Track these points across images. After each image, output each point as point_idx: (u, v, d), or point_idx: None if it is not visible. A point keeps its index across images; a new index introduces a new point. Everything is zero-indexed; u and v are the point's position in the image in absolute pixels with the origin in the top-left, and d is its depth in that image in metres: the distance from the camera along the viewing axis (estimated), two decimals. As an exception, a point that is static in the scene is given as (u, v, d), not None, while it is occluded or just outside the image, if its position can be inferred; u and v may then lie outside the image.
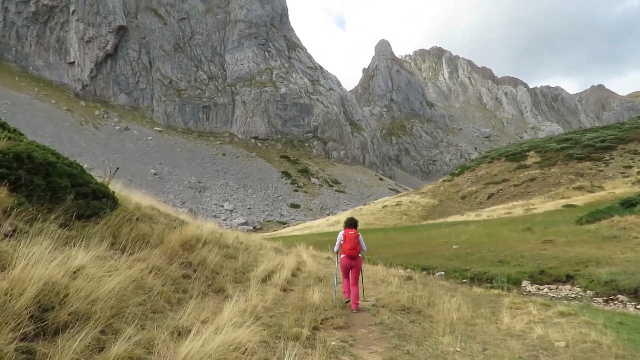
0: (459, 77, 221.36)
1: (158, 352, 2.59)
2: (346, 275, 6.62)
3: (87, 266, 3.09)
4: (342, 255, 6.59)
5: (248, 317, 3.69)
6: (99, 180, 6.27)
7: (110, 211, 4.88)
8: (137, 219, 5.63)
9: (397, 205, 47.85)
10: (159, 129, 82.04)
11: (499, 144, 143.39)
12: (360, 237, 6.67)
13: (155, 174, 66.41)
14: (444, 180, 53.76)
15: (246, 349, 3.02)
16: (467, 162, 75.03)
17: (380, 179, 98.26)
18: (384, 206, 48.93)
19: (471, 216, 30.91)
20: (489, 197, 39.49)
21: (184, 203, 60.26)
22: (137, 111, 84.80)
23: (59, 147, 60.51)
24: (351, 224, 6.72)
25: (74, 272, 2.92)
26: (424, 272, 9.77)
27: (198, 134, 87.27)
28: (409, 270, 9.73)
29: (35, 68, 78.24)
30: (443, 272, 9.47)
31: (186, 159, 76.09)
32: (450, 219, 32.73)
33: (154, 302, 3.54)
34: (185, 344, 2.65)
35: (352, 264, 6.49)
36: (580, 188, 31.87)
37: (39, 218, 3.71)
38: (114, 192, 5.84)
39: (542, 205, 28.93)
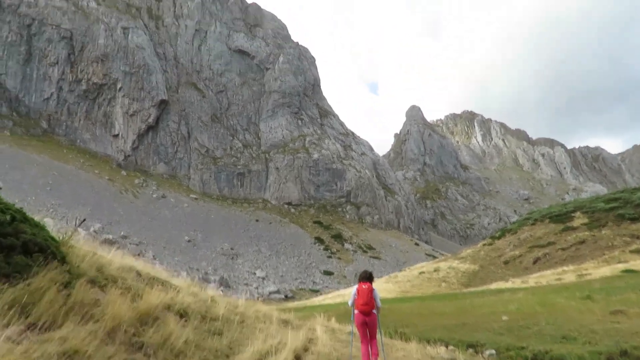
0: (492, 140, 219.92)
1: None
2: (364, 335, 6.02)
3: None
4: (355, 311, 6.10)
5: None
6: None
7: (39, 270, 3.84)
8: (90, 282, 4.50)
9: (435, 271, 45.38)
10: (194, 196, 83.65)
11: (539, 205, 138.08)
12: (375, 291, 6.13)
13: (189, 240, 66.61)
14: (484, 244, 51.07)
15: None
16: (507, 225, 71.77)
17: (416, 244, 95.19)
18: (421, 272, 46.49)
19: (517, 283, 28.54)
20: (534, 262, 36.79)
21: (216, 271, 59.57)
22: (174, 179, 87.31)
23: (99, 215, 62.34)
24: (365, 277, 6.24)
25: None
26: (470, 350, 8.32)
27: (232, 201, 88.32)
28: (451, 348, 8.30)
29: (82, 141, 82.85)
30: (494, 351, 8.00)
31: (220, 225, 76.44)
32: (494, 285, 30.35)
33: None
34: None
35: (366, 320, 5.99)
36: (638, 251, 29.16)
37: None
38: (66, 247, 4.79)
39: (597, 270, 26.41)
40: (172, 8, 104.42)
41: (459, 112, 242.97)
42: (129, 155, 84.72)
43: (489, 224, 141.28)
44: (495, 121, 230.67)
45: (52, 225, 52.40)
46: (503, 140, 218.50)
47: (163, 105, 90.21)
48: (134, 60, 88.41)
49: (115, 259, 6.91)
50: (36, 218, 5.09)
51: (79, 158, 77.74)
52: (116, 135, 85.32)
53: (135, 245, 57.73)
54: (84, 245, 6.60)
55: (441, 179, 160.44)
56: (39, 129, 79.14)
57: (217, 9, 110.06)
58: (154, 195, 77.35)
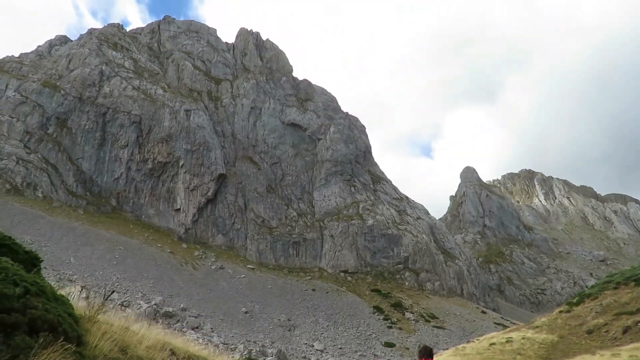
0: (556, 198, 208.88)
1: None
2: None
3: None
4: None
5: None
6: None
7: (40, 352, 3.32)
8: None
9: (507, 342, 41.58)
10: (251, 266, 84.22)
11: (617, 267, 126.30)
12: None
13: (246, 312, 66.15)
14: (561, 312, 46.62)
15: None
16: (584, 290, 65.75)
17: (483, 311, 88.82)
18: (492, 344, 42.74)
19: (606, 356, 25.37)
20: (624, 332, 32.83)
21: (273, 343, 58.11)
22: (232, 250, 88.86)
23: (160, 287, 63.92)
24: (427, 352, 5.78)
25: None
26: None
27: (288, 270, 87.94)
28: None
29: (147, 216, 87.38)
30: None
31: (276, 295, 75.72)
32: (579, 359, 27.17)
33: None
34: None
35: None
36: None
37: None
38: (90, 323, 4.27)
39: (701, 340, 23.05)
40: (229, 89, 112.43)
41: (516, 171, 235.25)
42: (189, 228, 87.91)
43: (562, 288, 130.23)
44: (557, 178, 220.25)
45: (118, 299, 54.06)
46: (568, 198, 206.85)
47: (221, 179, 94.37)
48: (195, 138, 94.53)
49: (151, 335, 6.37)
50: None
51: (144, 232, 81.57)
52: (178, 210, 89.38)
53: (194, 317, 58.04)
54: (116, 320, 6.11)
55: (504, 241, 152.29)
56: (108, 206, 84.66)
57: (271, 87, 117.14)
58: (213, 267, 78.68)
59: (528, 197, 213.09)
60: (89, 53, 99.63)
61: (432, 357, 5.76)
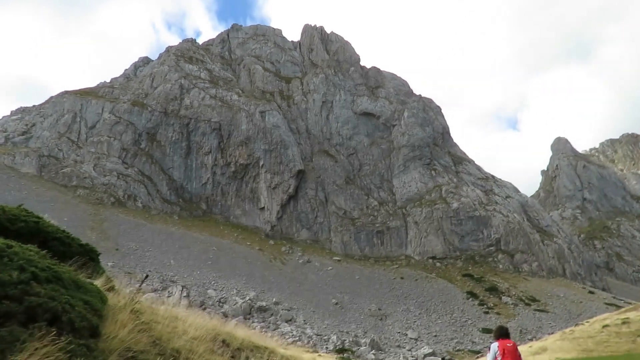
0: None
1: None
2: None
3: None
4: None
5: None
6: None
7: (27, 344, 2.78)
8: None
9: (623, 323, 37.62)
10: (337, 258, 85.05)
11: None
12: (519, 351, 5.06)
13: (336, 303, 66.92)
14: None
15: None
16: None
17: (591, 292, 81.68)
18: (605, 326, 38.92)
19: None
20: None
21: (365, 333, 58.19)
22: (317, 244, 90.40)
23: (253, 283, 66.80)
24: (506, 333, 5.32)
25: None
26: None
27: (374, 260, 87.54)
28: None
29: (234, 217, 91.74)
30: None
31: (365, 286, 75.71)
32: None
33: None
34: None
35: None
36: None
37: None
38: (126, 312, 3.72)
39: None
40: (300, 87, 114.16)
41: (616, 136, 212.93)
42: (274, 226, 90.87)
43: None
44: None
45: (215, 296, 57.30)
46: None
47: (300, 175, 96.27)
48: (271, 138, 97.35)
49: (201, 323, 5.74)
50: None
51: (233, 232, 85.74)
52: (262, 208, 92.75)
53: (287, 310, 59.87)
54: (160, 309, 5.56)
55: (608, 214, 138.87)
56: (199, 210, 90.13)
57: (340, 79, 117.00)
58: (300, 261, 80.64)
59: (634, 164, 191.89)
60: (169, 70, 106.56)
61: (509, 337, 5.33)
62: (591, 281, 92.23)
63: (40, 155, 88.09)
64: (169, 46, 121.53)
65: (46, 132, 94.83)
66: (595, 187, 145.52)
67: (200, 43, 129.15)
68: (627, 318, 39.57)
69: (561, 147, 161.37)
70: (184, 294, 52.28)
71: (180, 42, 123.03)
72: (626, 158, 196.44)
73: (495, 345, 5.18)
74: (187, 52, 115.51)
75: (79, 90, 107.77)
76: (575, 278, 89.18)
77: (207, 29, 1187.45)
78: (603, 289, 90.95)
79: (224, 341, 5.66)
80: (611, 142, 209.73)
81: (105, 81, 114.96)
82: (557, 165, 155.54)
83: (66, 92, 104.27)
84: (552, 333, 55.04)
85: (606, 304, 73.68)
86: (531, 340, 55.61)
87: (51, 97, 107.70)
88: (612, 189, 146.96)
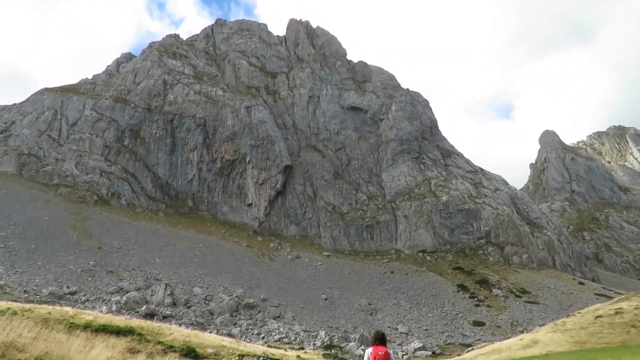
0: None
1: None
2: None
3: None
4: None
5: None
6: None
7: None
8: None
9: (616, 314, 36.90)
10: (326, 253, 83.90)
11: None
12: (392, 356, 5.08)
13: (326, 299, 65.78)
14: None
15: None
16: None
17: (581, 282, 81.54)
18: (597, 317, 38.15)
19: None
20: None
21: (355, 328, 57.11)
22: (306, 239, 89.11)
23: (240, 281, 65.30)
24: (380, 338, 5.35)
25: None
26: None
27: (364, 255, 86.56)
28: None
29: (222, 213, 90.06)
30: None
31: (355, 281, 74.67)
32: None
33: None
34: None
35: None
36: None
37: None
38: None
39: None
40: (286, 82, 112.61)
41: (603, 129, 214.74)
42: (263, 222, 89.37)
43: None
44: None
45: (201, 294, 55.64)
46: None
47: (288, 170, 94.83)
48: (258, 134, 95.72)
49: None
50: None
51: (220, 229, 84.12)
52: (250, 205, 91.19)
53: (275, 307, 58.57)
54: None
55: (597, 206, 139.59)
56: (186, 207, 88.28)
57: (326, 74, 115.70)
58: (289, 257, 79.30)
59: (621, 156, 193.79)
60: (152, 65, 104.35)
61: (385, 344, 5.21)
62: (581, 272, 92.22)
63: (20, 154, 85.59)
64: (152, 42, 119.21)
65: (26, 130, 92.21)
66: (583, 179, 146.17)
67: (185, 38, 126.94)
68: (620, 308, 38.76)
69: (549, 139, 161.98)
70: (168, 292, 50.74)
71: (163, 38, 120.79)
72: (613, 150, 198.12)
73: (368, 352, 5.19)
74: (170, 48, 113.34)
75: (60, 87, 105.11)
76: (565, 269, 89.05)
77: (192, 17, 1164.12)
78: (593, 280, 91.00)
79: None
80: (598, 135, 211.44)
81: (87, 77, 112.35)
82: (545, 158, 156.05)
83: (46, 89, 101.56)
84: (544, 325, 54.42)
85: (596, 294, 73.49)
86: (522, 332, 54.96)
87: (31, 95, 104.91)
88: (600, 180, 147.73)
